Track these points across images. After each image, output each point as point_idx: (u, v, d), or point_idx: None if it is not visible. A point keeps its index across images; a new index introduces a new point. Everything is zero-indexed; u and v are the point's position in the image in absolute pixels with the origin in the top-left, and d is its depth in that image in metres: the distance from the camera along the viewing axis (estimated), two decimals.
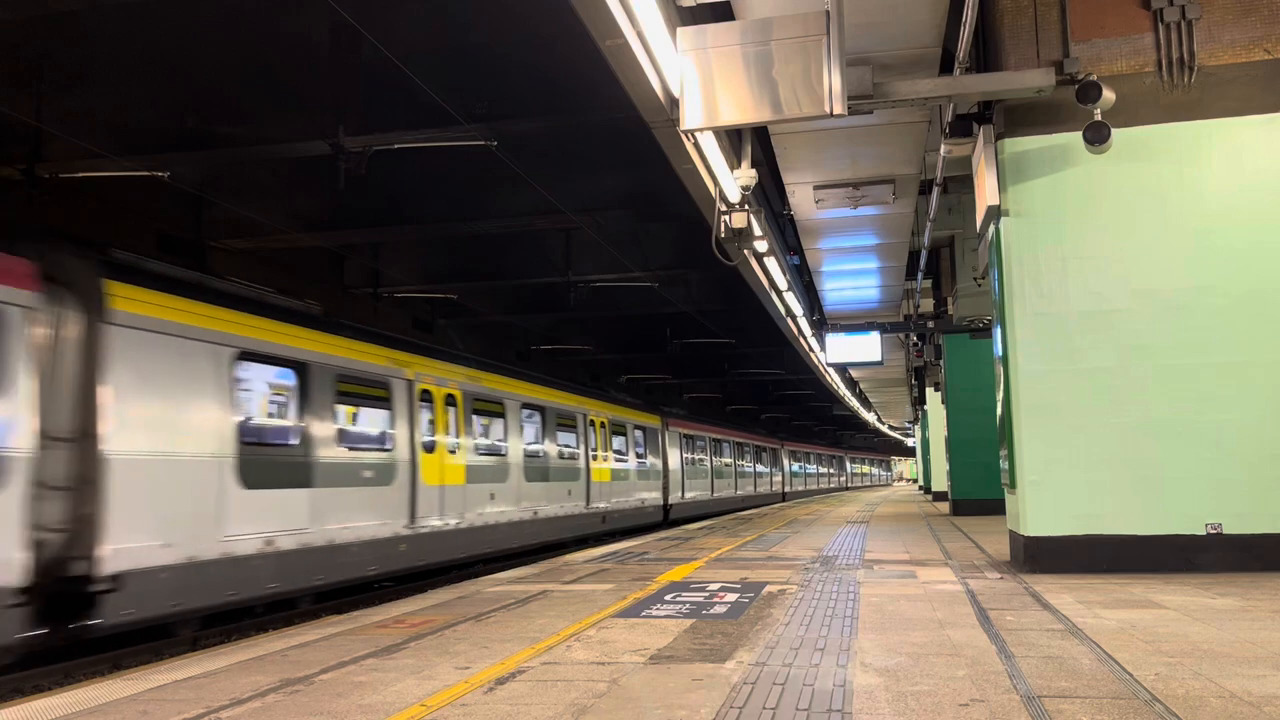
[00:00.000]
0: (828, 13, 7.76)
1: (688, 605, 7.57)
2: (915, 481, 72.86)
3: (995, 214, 9.47)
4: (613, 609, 7.53)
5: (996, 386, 10.14)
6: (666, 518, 26.96)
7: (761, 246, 12.56)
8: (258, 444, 10.43)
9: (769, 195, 14.32)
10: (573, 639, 6.22)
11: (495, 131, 12.07)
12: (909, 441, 78.13)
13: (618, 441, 23.28)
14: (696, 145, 10.35)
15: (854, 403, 49.45)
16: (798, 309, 19.71)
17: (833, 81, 7.73)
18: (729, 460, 35.96)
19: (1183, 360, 8.98)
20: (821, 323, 22.69)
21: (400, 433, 13.16)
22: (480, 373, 16.08)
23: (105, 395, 8.46)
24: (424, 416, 13.91)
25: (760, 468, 42.94)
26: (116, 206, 14.39)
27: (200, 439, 9.54)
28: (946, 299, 21.17)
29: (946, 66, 9.74)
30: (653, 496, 25.85)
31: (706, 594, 8.21)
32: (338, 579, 11.57)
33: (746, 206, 10.84)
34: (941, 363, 23.01)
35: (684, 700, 4.52)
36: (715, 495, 33.22)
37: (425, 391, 14.08)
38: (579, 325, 27.94)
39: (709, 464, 32.70)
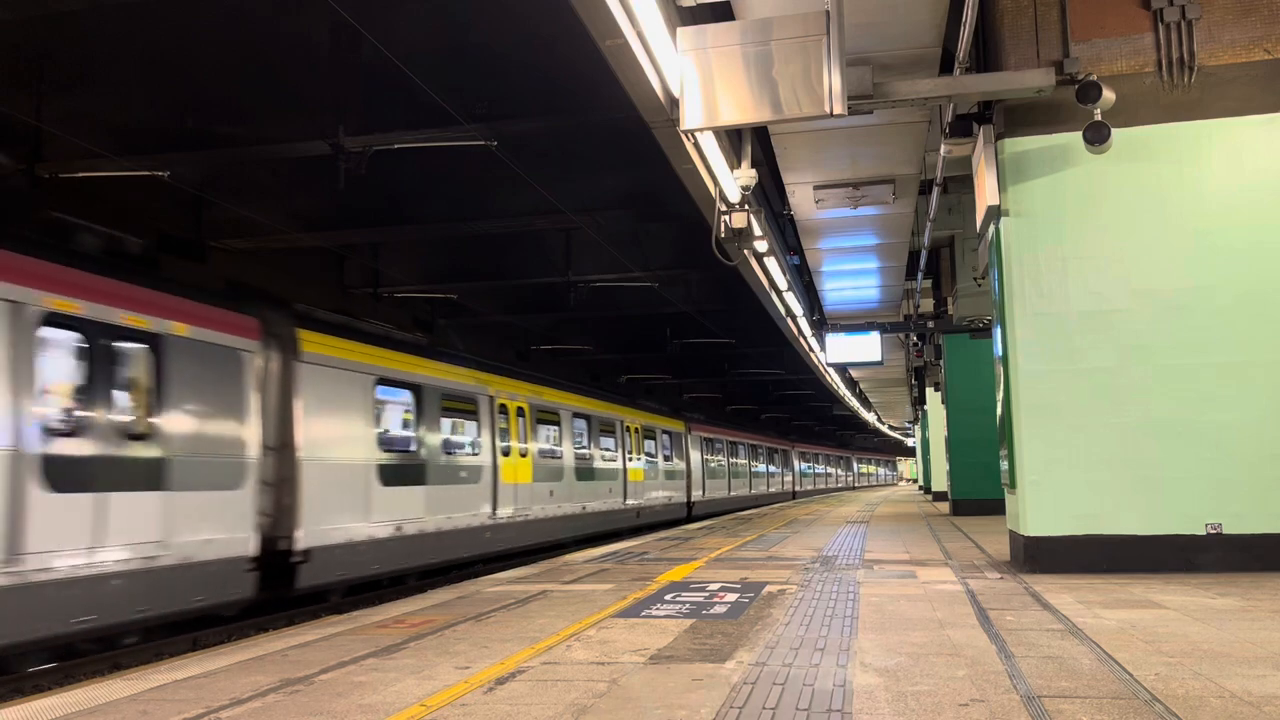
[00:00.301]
0: (828, 13, 7.76)
1: (688, 605, 7.57)
2: (915, 481, 73.01)
3: (995, 214, 9.47)
4: (613, 609, 7.53)
5: (996, 386, 10.14)
6: (690, 513, 29.16)
7: (761, 246, 12.56)
8: (390, 450, 13.07)
9: (769, 195, 14.32)
10: (573, 639, 6.22)
11: (495, 131, 12.06)
12: (909, 441, 78.22)
13: (649, 445, 25.96)
14: (696, 145, 10.35)
15: (854, 403, 49.45)
16: (798, 309, 19.70)
17: (833, 81, 7.73)
18: (744, 461, 38.45)
19: (1183, 360, 8.98)
20: (821, 323, 22.68)
21: (485, 440, 15.91)
22: (541, 388, 18.84)
23: (297, 415, 11.11)
24: (501, 426, 16.59)
25: (772, 468, 45.68)
26: (116, 206, 14.39)
27: (355, 447, 12.23)
28: (946, 299, 21.17)
29: (946, 66, 9.74)
30: (678, 494, 28.45)
31: (706, 594, 8.21)
32: (441, 560, 14.10)
33: (746, 206, 10.84)
34: (941, 363, 23.01)
35: (684, 700, 4.52)
36: (732, 494, 35.68)
37: (502, 405, 16.78)
38: (579, 325, 27.94)
39: (726, 465, 35.25)
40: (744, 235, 10.80)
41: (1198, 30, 9.07)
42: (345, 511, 11.82)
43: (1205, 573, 8.60)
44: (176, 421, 9.29)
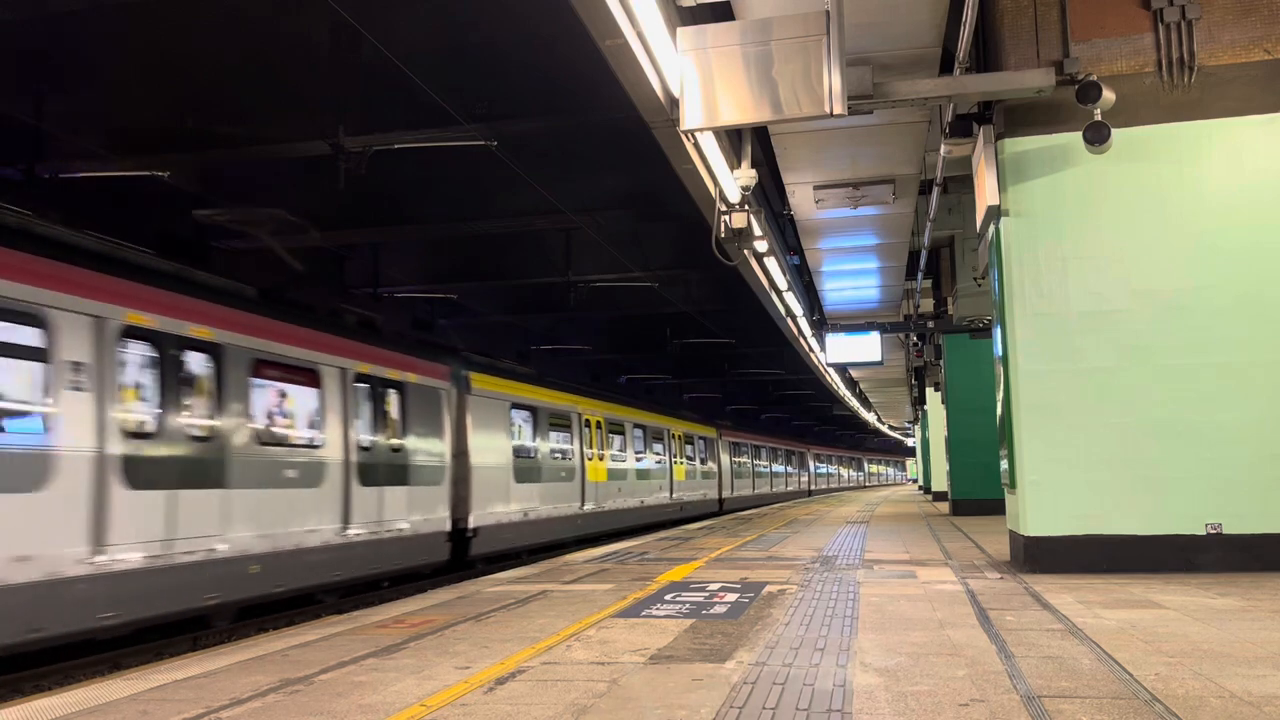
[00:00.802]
0: (828, 13, 7.76)
1: (688, 605, 7.57)
2: (915, 481, 73.43)
3: (995, 214, 9.47)
4: (613, 609, 7.53)
5: (996, 386, 10.14)
6: (721, 508, 33.74)
7: (761, 246, 12.57)
8: (519, 457, 17.52)
9: (769, 195, 14.33)
10: (573, 639, 6.22)
11: (495, 131, 12.07)
12: (909, 441, 78.51)
13: (688, 449, 30.63)
14: (696, 145, 10.35)
15: (854, 403, 49.45)
16: (798, 309, 19.71)
17: (833, 81, 7.73)
18: (766, 462, 44.55)
19: (1183, 360, 8.98)
20: (821, 323, 22.69)
21: (577, 447, 20.60)
22: (610, 404, 23.34)
23: (467, 432, 15.57)
24: (586, 437, 21.38)
25: (791, 468, 51.75)
26: (116, 206, 14.39)
27: (500, 455, 16.73)
28: (946, 299, 21.17)
29: (946, 66, 9.75)
30: (711, 492, 33.17)
31: (706, 594, 8.21)
32: (549, 539, 18.52)
33: (746, 206, 10.84)
34: (941, 363, 23.00)
35: (684, 700, 4.52)
36: (756, 491, 41.10)
37: (586, 419, 21.49)
38: (579, 325, 27.94)
39: (751, 466, 40.69)
40: (744, 235, 10.80)
41: (1198, 30, 9.07)
42: (497, 502, 16.39)
43: (1205, 573, 8.59)
44: (413, 440, 13.82)
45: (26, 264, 8.03)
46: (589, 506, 21.01)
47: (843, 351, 21.67)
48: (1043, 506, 9.16)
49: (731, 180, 10.74)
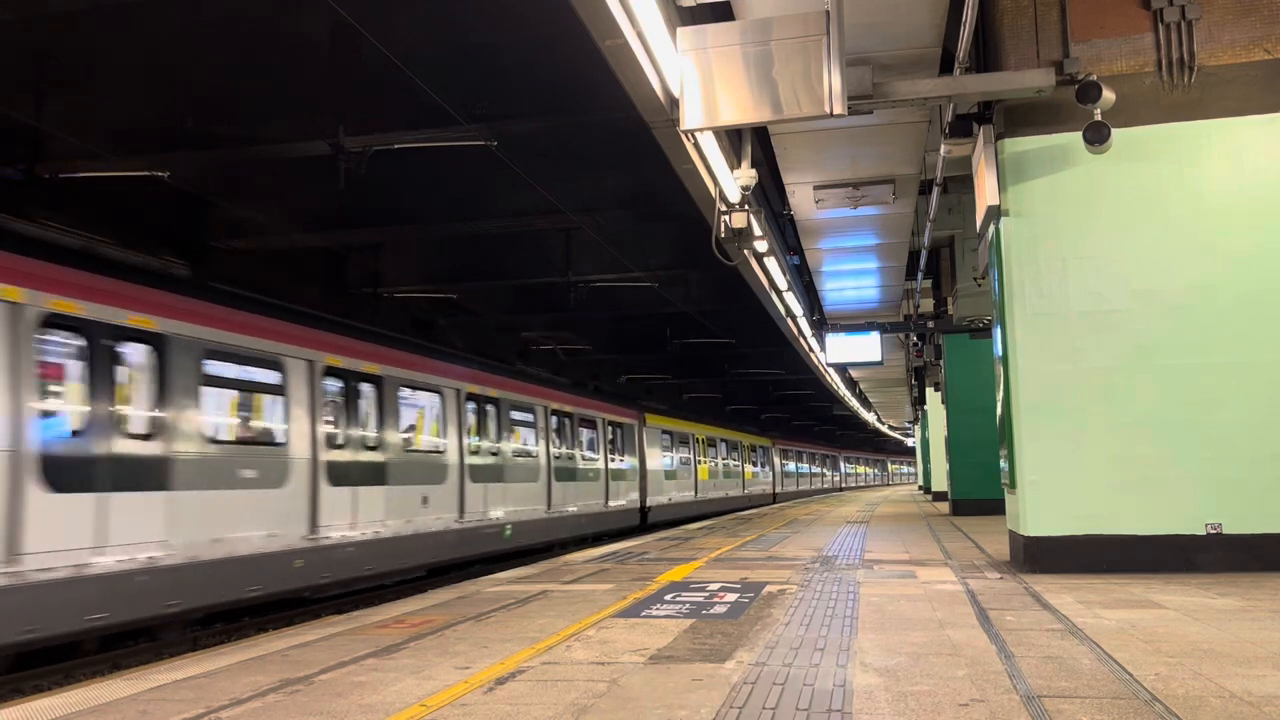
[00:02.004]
0: (828, 13, 7.76)
1: (688, 605, 7.57)
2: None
3: (995, 214, 9.47)
4: (613, 609, 7.53)
5: (996, 386, 10.14)
6: (774, 499, 44.03)
7: (761, 246, 12.56)
8: (666, 464, 28.44)
9: (769, 195, 14.32)
10: (573, 639, 6.22)
11: (495, 131, 12.06)
12: (909, 441, 78.57)
13: (753, 456, 42.11)
14: (696, 145, 10.35)
15: (854, 403, 49.44)
16: (798, 309, 19.70)
17: (833, 81, 7.73)
18: (816, 467, 60.12)
19: (1183, 360, 8.98)
20: (821, 323, 22.68)
21: (692, 456, 30.16)
22: (672, 418, 30.01)
23: (644, 450, 26.22)
24: (699, 450, 32.56)
25: (826, 469, 67.20)
26: (117, 206, 14.38)
27: (660, 463, 27.69)
28: (946, 299, 21.17)
29: (946, 66, 9.74)
30: (767, 489, 44.32)
31: (706, 594, 8.21)
32: (626, 525, 24.04)
33: (746, 206, 10.83)
34: (941, 363, 23.00)
35: (684, 700, 4.52)
36: (799, 488, 53.86)
37: (697, 438, 32.42)
38: (579, 325, 27.93)
39: (797, 469, 54.16)
40: (744, 235, 10.79)
41: (1198, 30, 9.07)
42: (658, 493, 27.02)
43: (1205, 573, 8.59)
44: (615, 458, 23.61)
45: (286, 331, 11.40)
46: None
47: (843, 351, 21.67)
48: (1043, 506, 9.16)
49: (731, 180, 10.74)
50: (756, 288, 17.26)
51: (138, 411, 9.13)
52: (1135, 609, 6.89)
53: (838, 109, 7.77)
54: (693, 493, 31.27)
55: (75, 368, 8.65)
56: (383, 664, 5.61)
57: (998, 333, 9.82)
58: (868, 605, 7.35)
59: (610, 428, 23.95)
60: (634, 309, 24.40)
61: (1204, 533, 8.78)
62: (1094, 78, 8.51)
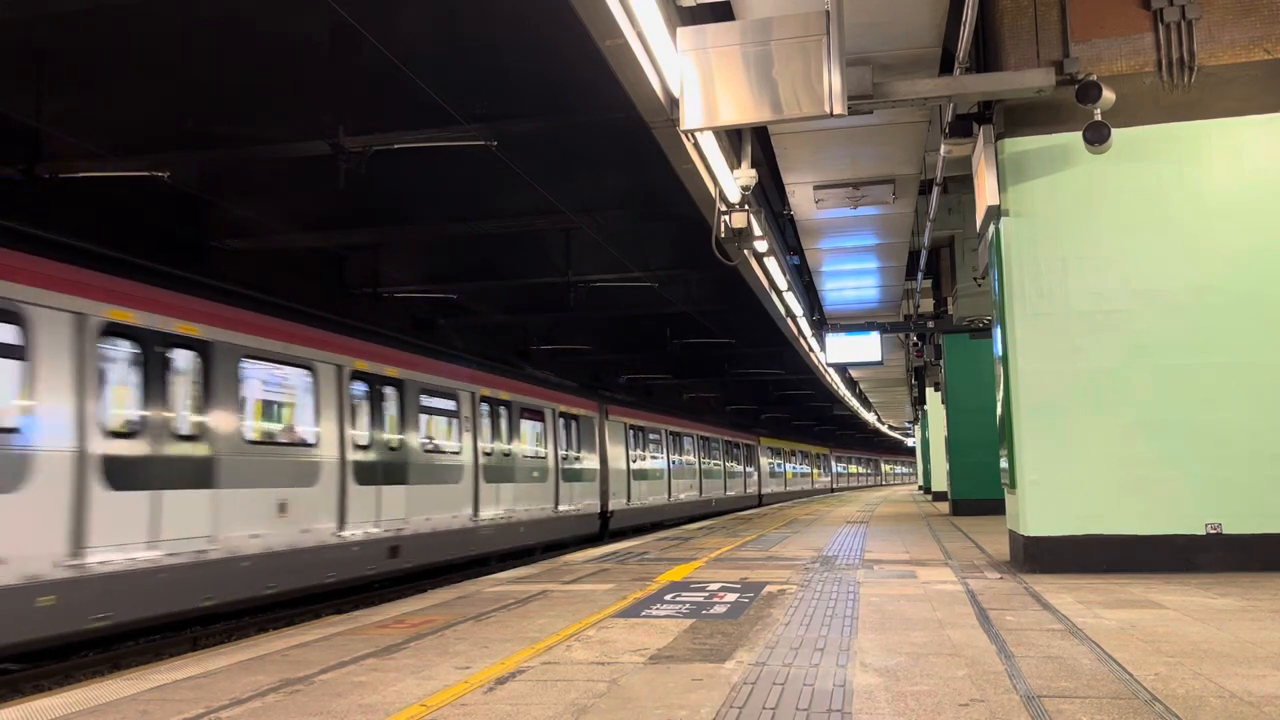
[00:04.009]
0: (828, 13, 7.76)
1: (688, 605, 7.57)
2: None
3: (995, 214, 9.47)
4: (613, 609, 7.53)
5: (996, 386, 10.14)
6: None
7: (761, 246, 12.56)
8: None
9: (769, 195, 14.32)
10: (573, 639, 6.22)
11: (495, 131, 12.06)
12: (909, 441, 78.79)
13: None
14: (696, 145, 10.35)
15: (854, 403, 49.44)
16: (798, 309, 19.70)
17: (833, 81, 7.73)
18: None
19: (1183, 360, 8.98)
20: (821, 323, 22.68)
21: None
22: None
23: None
24: (761, 454, 42.76)
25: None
26: (117, 207, 14.38)
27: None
28: (946, 299, 21.17)
29: (946, 66, 9.74)
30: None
31: (706, 594, 8.21)
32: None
33: (746, 206, 10.83)
34: (941, 363, 23.00)
35: (684, 700, 4.52)
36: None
37: (761, 447, 42.48)
38: (579, 325, 27.93)
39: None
40: (744, 235, 10.79)
41: (1198, 30, 9.07)
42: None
43: (1205, 573, 8.59)
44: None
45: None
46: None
47: (843, 351, 21.67)
48: (1043, 506, 9.15)
49: (731, 180, 10.74)
50: (756, 288, 17.26)
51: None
52: (1135, 609, 6.89)
53: (838, 109, 7.77)
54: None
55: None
56: (383, 664, 5.61)
57: (998, 333, 9.82)
58: (868, 605, 7.35)
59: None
60: (634, 309, 24.41)
61: (1204, 533, 8.78)
62: (1094, 78, 8.51)
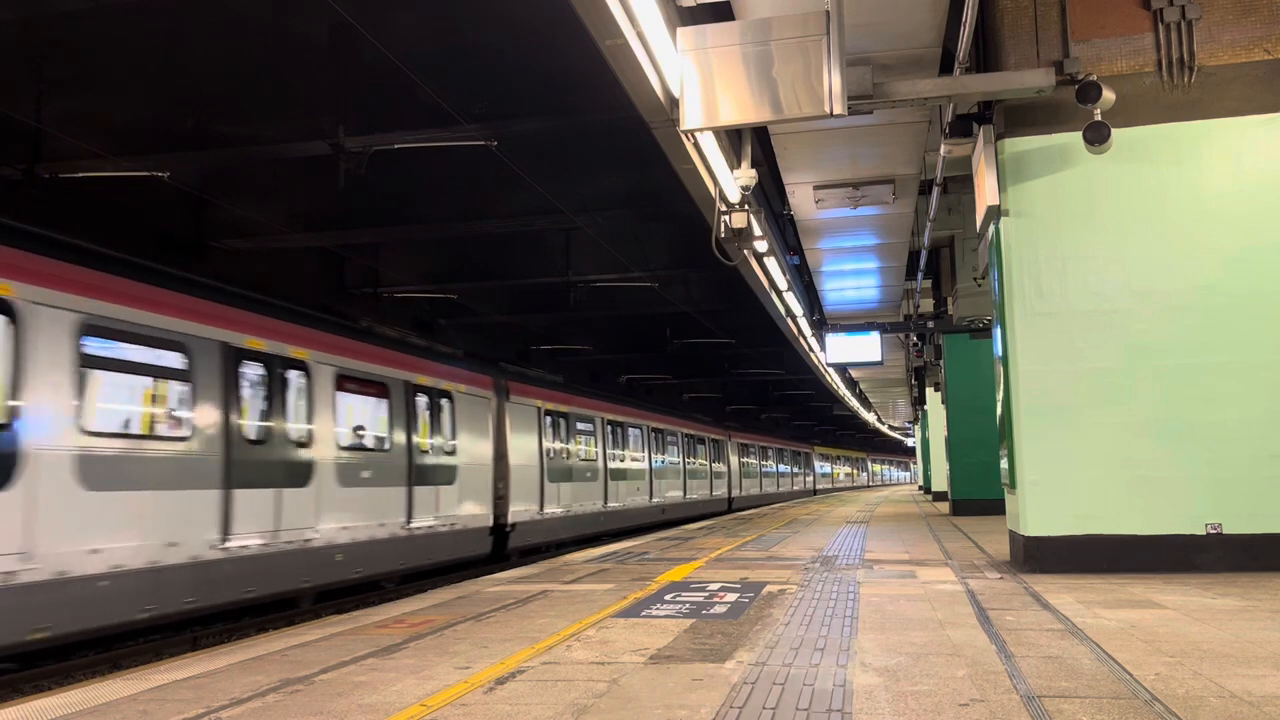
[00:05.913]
0: (828, 13, 7.76)
1: (688, 605, 7.57)
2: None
3: (995, 214, 9.47)
4: (613, 609, 7.53)
5: (996, 386, 10.14)
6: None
7: (761, 246, 12.56)
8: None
9: (769, 195, 14.33)
10: (573, 639, 6.22)
11: (495, 131, 12.06)
12: (909, 441, 79.29)
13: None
14: (696, 145, 10.35)
15: (854, 403, 49.46)
16: (798, 309, 19.70)
17: (833, 81, 7.73)
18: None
19: (1183, 360, 8.98)
20: (821, 323, 22.68)
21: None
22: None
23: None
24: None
25: (855, 470, 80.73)
26: (117, 207, 14.39)
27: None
28: (946, 299, 21.16)
29: (946, 66, 9.74)
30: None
31: (706, 594, 8.21)
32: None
33: (746, 206, 10.83)
34: (941, 363, 23.00)
35: (684, 700, 4.52)
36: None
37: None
38: (579, 325, 27.93)
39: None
40: (744, 235, 10.79)
41: (1198, 30, 9.07)
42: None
43: (1205, 573, 8.59)
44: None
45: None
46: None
47: (843, 351, 21.66)
48: (1043, 506, 9.15)
49: (731, 180, 10.74)
50: (756, 288, 17.26)
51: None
52: (1135, 609, 6.89)
53: (838, 109, 7.77)
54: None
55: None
56: (383, 664, 5.61)
57: (998, 333, 9.83)
58: (868, 605, 7.36)
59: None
60: (634, 309, 24.41)
61: (1204, 533, 8.78)
62: (1094, 78, 8.51)
